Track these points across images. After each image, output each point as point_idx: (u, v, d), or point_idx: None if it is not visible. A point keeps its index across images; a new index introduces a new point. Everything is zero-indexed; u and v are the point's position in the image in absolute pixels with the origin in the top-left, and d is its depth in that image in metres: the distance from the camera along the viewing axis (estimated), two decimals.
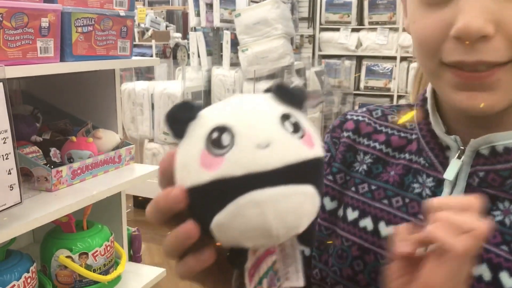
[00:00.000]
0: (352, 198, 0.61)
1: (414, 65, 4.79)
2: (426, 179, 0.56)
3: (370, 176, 0.61)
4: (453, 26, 0.45)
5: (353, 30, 5.24)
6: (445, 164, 0.54)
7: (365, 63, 5.27)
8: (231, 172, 0.33)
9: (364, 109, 0.67)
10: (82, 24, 1.30)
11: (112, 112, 1.60)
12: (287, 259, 0.39)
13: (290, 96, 0.37)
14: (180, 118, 0.36)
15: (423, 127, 0.57)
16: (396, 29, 5.08)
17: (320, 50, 5.35)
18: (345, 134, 0.64)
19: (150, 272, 1.64)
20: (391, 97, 5.17)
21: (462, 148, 0.53)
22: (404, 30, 5.01)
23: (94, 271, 1.37)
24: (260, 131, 0.34)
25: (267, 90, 0.39)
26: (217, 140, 0.34)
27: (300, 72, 3.89)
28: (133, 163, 1.61)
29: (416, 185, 0.57)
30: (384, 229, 0.57)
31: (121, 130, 1.63)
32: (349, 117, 0.66)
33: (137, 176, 1.52)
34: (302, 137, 0.35)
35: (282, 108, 0.36)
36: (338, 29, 5.25)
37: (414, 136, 0.60)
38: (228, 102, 0.37)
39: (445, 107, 0.56)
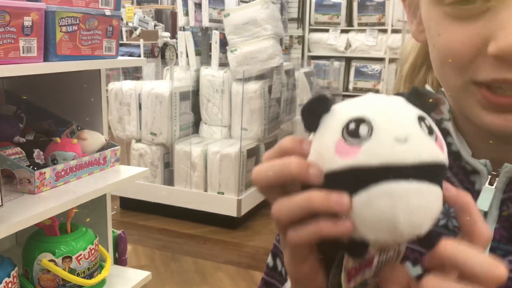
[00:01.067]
0: None
1: (404, 67, 4.80)
2: (449, 208, 0.50)
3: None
4: (492, 42, 0.40)
5: (342, 31, 5.25)
6: (471, 191, 0.49)
7: (354, 64, 5.28)
8: (367, 161, 0.34)
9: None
10: (66, 24, 1.27)
11: (98, 112, 1.57)
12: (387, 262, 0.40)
13: (424, 100, 0.37)
14: (315, 110, 0.37)
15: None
16: (385, 31, 5.10)
17: (309, 51, 5.35)
18: None
19: (135, 275, 1.62)
20: None
21: (494, 173, 0.48)
22: (393, 31, 5.04)
23: (78, 275, 1.35)
24: (399, 126, 0.35)
25: (397, 94, 0.39)
26: (354, 131, 0.35)
27: (289, 73, 3.88)
28: (118, 165, 1.59)
29: (439, 216, 0.52)
30: (412, 270, 0.51)
31: (106, 131, 1.61)
32: None
33: (123, 178, 1.50)
34: (435, 140, 0.36)
35: (417, 110, 0.37)
36: (327, 30, 5.25)
37: None
38: (363, 98, 0.38)
39: (465, 126, 0.51)
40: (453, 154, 0.51)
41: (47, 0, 1.23)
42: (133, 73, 4.27)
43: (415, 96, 0.37)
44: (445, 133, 0.51)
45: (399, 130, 0.34)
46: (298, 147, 0.37)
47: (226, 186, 3.26)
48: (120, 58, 1.52)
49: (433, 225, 0.36)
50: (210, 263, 2.91)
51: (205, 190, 3.34)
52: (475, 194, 0.48)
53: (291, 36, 5.19)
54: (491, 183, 0.48)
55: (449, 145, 0.51)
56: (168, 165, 3.45)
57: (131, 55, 4.70)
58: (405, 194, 0.34)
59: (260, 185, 0.38)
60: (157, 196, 3.40)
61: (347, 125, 0.35)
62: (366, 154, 0.34)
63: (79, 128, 1.54)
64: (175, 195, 3.37)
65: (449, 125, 0.51)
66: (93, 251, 1.40)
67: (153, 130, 3.34)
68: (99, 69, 1.51)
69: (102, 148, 1.54)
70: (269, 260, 0.63)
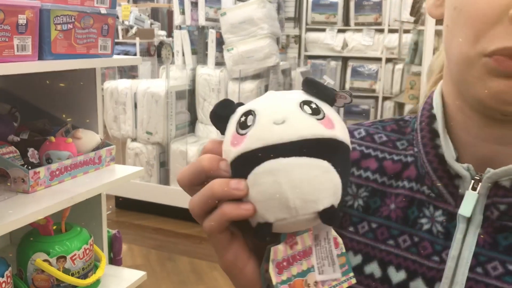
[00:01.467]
0: (351, 240, 0.53)
1: (399, 66, 4.82)
2: (435, 212, 0.49)
3: (369, 212, 0.53)
4: None
5: (339, 30, 5.25)
6: (455, 195, 0.48)
7: (350, 64, 5.28)
8: (250, 146, 0.37)
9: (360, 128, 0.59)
10: (61, 22, 1.26)
11: (93, 111, 1.56)
12: (322, 252, 0.41)
13: (318, 90, 0.40)
14: (220, 114, 0.41)
15: (430, 151, 0.50)
16: (381, 30, 5.10)
17: (306, 50, 5.35)
18: None
19: (130, 275, 1.61)
20: (376, 98, 5.19)
21: (477, 178, 0.46)
22: (390, 31, 5.04)
23: (73, 275, 1.34)
24: (277, 111, 0.38)
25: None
26: (243, 122, 0.38)
27: (285, 72, 3.88)
28: (113, 164, 1.58)
29: (423, 220, 0.50)
30: (396, 275, 0.50)
31: (101, 130, 1.60)
32: None
33: (118, 178, 1.49)
34: (321, 119, 0.38)
35: (306, 97, 0.40)
36: (324, 30, 5.25)
37: (410, 159, 0.53)
38: (261, 96, 0.41)
39: (455, 126, 0.49)
40: (439, 157, 0.49)
41: None
42: (129, 72, 4.25)
43: (309, 87, 0.40)
44: (435, 134, 0.50)
45: (277, 114, 0.37)
46: (217, 147, 0.41)
47: None
48: (115, 56, 1.51)
49: (337, 203, 0.38)
50: (206, 263, 2.90)
51: None
52: (459, 199, 0.48)
53: (288, 36, 5.18)
54: (474, 188, 0.46)
55: (436, 147, 0.50)
56: (163, 165, 3.44)
57: (127, 53, 4.68)
58: (284, 169, 0.36)
59: (182, 185, 0.42)
60: (153, 196, 3.39)
61: (239, 119, 0.39)
62: (249, 140, 0.37)
63: (74, 127, 1.53)
64: (171, 195, 3.36)
65: (438, 126, 0.50)
66: (87, 251, 1.39)
67: (149, 129, 3.33)
68: (94, 68, 1.50)
69: (97, 147, 1.53)
70: None
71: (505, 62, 0.39)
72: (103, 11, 1.37)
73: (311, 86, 0.40)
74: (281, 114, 0.37)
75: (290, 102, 0.38)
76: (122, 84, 3.38)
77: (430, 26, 2.32)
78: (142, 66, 3.82)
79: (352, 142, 0.56)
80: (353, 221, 0.54)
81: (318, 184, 0.37)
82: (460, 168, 0.47)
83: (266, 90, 3.44)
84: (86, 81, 1.53)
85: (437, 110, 0.51)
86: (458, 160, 0.48)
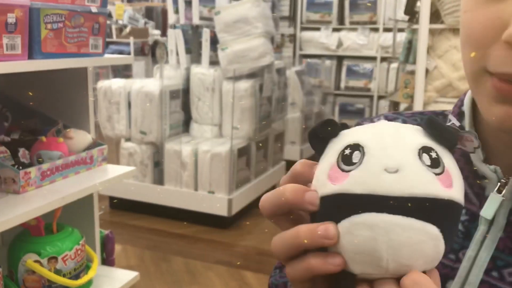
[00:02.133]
0: None
1: (394, 65, 4.82)
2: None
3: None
4: (508, 28, 0.36)
5: (334, 29, 5.25)
6: (481, 196, 0.47)
7: (345, 63, 5.28)
8: (352, 188, 0.33)
9: (382, 118, 0.58)
10: (51, 21, 1.25)
11: (84, 111, 1.55)
12: None
13: (441, 132, 0.35)
14: (320, 134, 0.37)
15: (457, 150, 0.50)
16: (376, 29, 5.10)
17: (301, 49, 5.34)
18: None
19: (123, 275, 1.60)
20: (371, 97, 5.19)
21: (504, 181, 0.45)
22: (385, 30, 5.04)
23: (64, 275, 1.33)
24: (392, 155, 0.33)
25: (420, 124, 0.37)
26: (348, 157, 0.34)
27: (280, 72, 3.87)
28: (105, 164, 1.57)
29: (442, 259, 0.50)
30: None
31: (93, 130, 1.59)
32: None
33: (110, 178, 1.48)
34: (439, 174, 0.33)
35: (426, 141, 0.34)
36: (319, 29, 5.25)
37: None
38: (373, 124, 0.37)
39: (485, 128, 0.48)
40: (466, 156, 0.48)
41: None
42: (123, 71, 4.23)
43: (431, 127, 0.35)
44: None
45: (391, 159, 0.33)
46: (308, 171, 0.37)
47: (217, 185, 3.25)
48: (107, 55, 1.50)
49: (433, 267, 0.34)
50: (201, 263, 2.89)
51: (196, 190, 3.32)
52: (485, 200, 0.46)
53: (282, 35, 5.18)
54: (500, 191, 0.45)
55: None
56: (158, 164, 3.43)
57: (121, 53, 4.66)
58: (385, 227, 0.32)
59: (265, 215, 0.38)
60: (147, 196, 3.38)
61: (343, 150, 0.35)
62: (352, 181, 0.33)
63: (65, 127, 1.52)
64: (165, 195, 3.35)
65: (467, 124, 0.49)
66: (79, 252, 1.38)
67: (143, 129, 3.32)
68: (86, 67, 1.49)
69: (89, 147, 1.52)
70: None
71: (501, 86, 0.39)
72: (93, 9, 1.36)
73: (434, 128, 0.35)
74: (396, 161, 0.33)
75: (408, 146, 0.33)
76: (116, 84, 3.36)
77: (424, 24, 2.31)
78: (136, 65, 3.80)
79: None
80: None
81: (419, 250, 0.32)
82: (487, 169, 0.46)
83: (260, 89, 3.43)
84: (77, 81, 1.52)
85: (466, 108, 0.50)
86: (486, 161, 0.47)
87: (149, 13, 6.10)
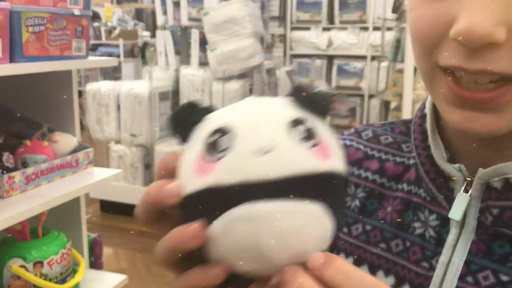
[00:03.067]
0: (345, 241, 0.51)
1: (384, 64, 4.84)
2: (429, 216, 0.47)
3: (364, 213, 0.51)
4: (454, 25, 0.36)
5: (324, 29, 5.25)
6: (450, 198, 0.45)
7: (336, 62, 5.29)
8: (222, 180, 0.29)
9: (352, 130, 0.57)
10: (33, 24, 1.24)
11: (70, 114, 1.54)
12: None
13: (311, 100, 0.33)
14: (184, 120, 0.33)
15: (422, 152, 0.48)
16: (366, 28, 5.11)
17: (291, 49, 5.35)
18: None
19: (111, 279, 1.59)
20: (362, 96, 5.20)
21: (470, 179, 0.44)
22: (375, 29, 5.06)
23: (50, 280, 1.32)
24: (261, 135, 0.30)
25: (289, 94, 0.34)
26: (215, 143, 0.30)
27: (270, 72, 3.87)
28: (91, 167, 1.56)
29: (417, 224, 0.47)
30: (384, 280, 0.47)
31: (79, 133, 1.58)
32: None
33: (96, 181, 1.47)
34: (314, 146, 0.30)
35: (297, 112, 0.32)
36: (309, 28, 5.25)
37: (412, 162, 0.50)
38: (239, 103, 0.33)
39: (446, 127, 0.47)
40: (431, 158, 0.47)
41: (12, 0, 1.20)
42: (113, 74, 4.22)
43: (300, 96, 0.33)
44: (426, 135, 0.48)
45: (260, 139, 0.30)
46: (174, 164, 0.33)
47: None
48: (92, 58, 1.49)
49: (326, 247, 0.31)
50: None
51: None
52: (452, 202, 0.45)
53: (272, 35, 5.18)
54: (467, 190, 0.44)
55: (427, 148, 0.47)
56: (148, 167, 3.42)
57: (110, 55, 4.64)
58: (265, 216, 0.29)
59: (142, 223, 0.35)
60: (138, 198, 3.36)
61: (209, 137, 0.31)
62: (223, 171, 0.29)
63: (50, 130, 1.51)
64: None
65: (428, 126, 0.48)
66: (65, 256, 1.37)
67: (133, 131, 3.31)
68: (70, 70, 1.48)
69: (75, 150, 1.51)
70: None
71: (456, 89, 0.38)
72: (76, 12, 1.35)
73: (303, 96, 0.33)
74: (267, 141, 0.30)
75: (278, 121, 0.31)
76: (105, 86, 3.35)
77: None
78: (126, 67, 3.79)
79: (358, 143, 0.55)
80: (348, 222, 0.52)
81: (305, 235, 0.30)
82: (451, 168, 0.45)
83: (250, 90, 3.43)
84: (62, 83, 1.51)
85: (428, 109, 0.49)
86: (451, 161, 0.46)
87: (139, 15, 6.09)
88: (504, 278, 0.42)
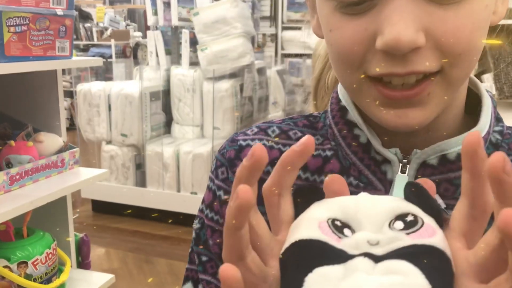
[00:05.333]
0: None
1: (316, 64, 4.83)
2: None
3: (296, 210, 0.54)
4: (379, 37, 0.40)
5: None
6: (384, 181, 0.49)
7: None
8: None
9: (255, 129, 0.57)
10: (14, 24, 1.24)
11: (55, 114, 1.54)
12: None
13: (422, 204, 0.34)
14: (306, 198, 0.36)
15: (352, 142, 0.50)
16: None
17: (283, 49, 5.35)
18: None
19: (98, 278, 1.59)
20: None
21: (405, 161, 0.48)
22: None
23: (35, 280, 1.32)
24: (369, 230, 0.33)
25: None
26: (339, 227, 0.33)
27: (261, 71, 3.87)
28: (77, 167, 1.56)
29: None
30: None
31: (64, 133, 1.58)
32: (243, 143, 0.55)
33: (81, 180, 1.47)
34: (418, 229, 0.32)
35: (402, 208, 0.34)
36: (300, 28, 5.26)
37: (329, 153, 0.52)
38: (353, 198, 0.36)
39: (366, 116, 0.50)
40: (362, 146, 0.50)
41: None
42: (105, 74, 4.21)
43: (412, 194, 0.35)
44: (353, 125, 0.51)
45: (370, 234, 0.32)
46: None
47: (199, 186, 3.24)
48: (76, 58, 1.49)
49: None
50: (184, 264, 2.87)
51: (178, 191, 3.31)
52: (389, 184, 0.48)
53: (264, 34, 5.18)
54: (403, 172, 0.48)
55: (357, 137, 0.50)
56: (140, 167, 3.42)
57: (102, 55, 4.63)
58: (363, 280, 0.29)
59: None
60: (130, 198, 3.36)
61: (333, 220, 0.34)
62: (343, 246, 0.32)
63: (35, 130, 1.51)
64: (147, 197, 3.34)
65: (356, 117, 0.51)
66: (50, 255, 1.37)
67: (124, 131, 3.31)
68: (55, 70, 1.48)
69: (60, 151, 1.51)
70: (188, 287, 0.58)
71: (387, 91, 0.42)
72: (59, 12, 1.35)
73: (417, 194, 0.34)
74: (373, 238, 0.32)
75: (380, 219, 0.33)
76: (96, 86, 3.35)
77: None
78: (117, 67, 3.79)
79: (268, 141, 0.54)
80: None
81: None
82: (388, 152, 0.48)
83: (241, 89, 3.44)
84: (46, 83, 1.51)
85: (347, 102, 0.52)
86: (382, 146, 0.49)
87: (131, 15, 6.08)
88: None
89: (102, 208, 3.51)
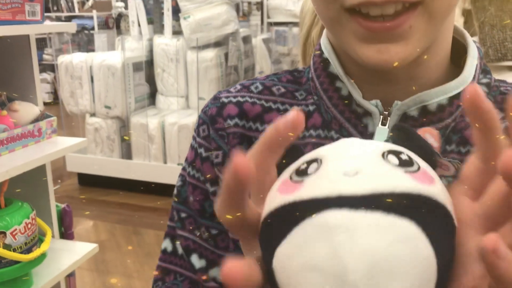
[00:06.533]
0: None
1: (303, 28, 4.78)
2: None
3: (280, 168, 0.52)
4: None
5: None
6: (365, 134, 0.48)
7: None
8: (304, 195, 0.27)
9: (238, 86, 0.56)
10: None
11: (30, 82, 1.50)
12: None
13: (413, 145, 0.31)
14: (284, 161, 0.31)
15: (333, 95, 0.50)
16: None
17: (268, 17, 5.26)
18: (230, 122, 0.53)
19: (81, 248, 1.58)
20: None
21: (386, 113, 0.47)
22: None
23: (14, 250, 1.30)
24: (351, 159, 0.28)
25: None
26: (303, 170, 0.29)
27: (246, 40, 3.82)
28: (55, 136, 1.53)
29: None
30: None
31: (41, 101, 1.54)
32: (225, 100, 0.54)
33: (58, 149, 1.45)
34: (412, 172, 0.27)
35: (391, 146, 0.29)
36: None
37: (311, 108, 0.52)
38: (337, 142, 0.32)
39: (348, 67, 0.50)
40: (343, 99, 0.49)
41: None
42: (87, 46, 4.13)
43: (401, 137, 0.31)
44: (334, 78, 0.50)
45: (349, 163, 0.27)
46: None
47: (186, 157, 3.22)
48: (49, 23, 1.44)
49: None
50: None
51: (165, 162, 3.29)
52: (369, 137, 0.48)
53: (249, 3, 5.09)
54: (383, 124, 0.47)
55: (338, 89, 0.50)
56: (125, 139, 3.39)
57: (84, 27, 4.53)
58: (348, 226, 0.25)
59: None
60: (116, 171, 3.34)
61: (299, 166, 0.29)
62: (306, 188, 0.27)
63: (9, 99, 1.47)
64: (133, 169, 3.32)
65: (337, 69, 0.50)
66: (29, 225, 1.35)
67: (107, 103, 3.26)
68: (27, 36, 1.43)
69: (37, 120, 1.48)
70: (166, 245, 0.58)
71: (366, 23, 0.41)
72: None
73: (405, 137, 0.30)
74: (355, 164, 0.27)
75: (371, 149, 0.29)
76: (77, 58, 3.28)
77: None
78: (99, 38, 3.71)
79: (251, 97, 0.54)
80: None
81: (396, 254, 0.24)
82: (368, 104, 0.47)
83: (226, 58, 3.39)
84: (19, 50, 1.46)
85: (329, 54, 0.51)
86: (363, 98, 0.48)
87: None
88: None
89: (88, 181, 3.48)
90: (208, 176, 0.54)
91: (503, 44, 2.02)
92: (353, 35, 0.42)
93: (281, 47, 4.94)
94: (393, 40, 0.41)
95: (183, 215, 0.56)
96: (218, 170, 0.53)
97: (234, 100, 0.54)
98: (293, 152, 0.32)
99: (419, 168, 0.28)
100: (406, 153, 0.29)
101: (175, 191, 0.58)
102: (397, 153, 0.28)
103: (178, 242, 0.57)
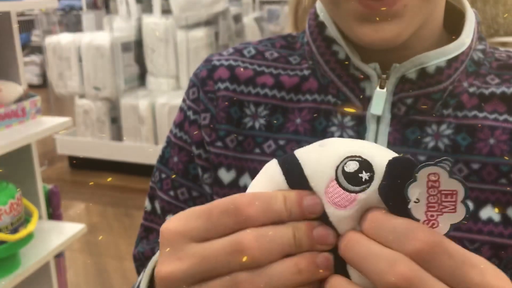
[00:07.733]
0: (260, 162, 0.50)
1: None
2: (343, 119, 0.49)
3: (272, 130, 0.51)
4: None
5: None
6: (363, 99, 0.48)
7: None
8: None
9: (231, 49, 0.56)
10: None
11: (12, 61, 1.47)
12: None
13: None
14: None
15: (330, 59, 0.49)
16: None
17: None
18: (221, 85, 0.52)
19: (69, 228, 1.57)
20: None
21: (384, 76, 0.47)
22: None
23: (0, 230, 1.29)
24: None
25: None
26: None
27: (237, 18, 3.77)
28: (40, 116, 1.51)
29: (333, 129, 0.49)
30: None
31: (24, 81, 1.51)
32: (216, 63, 0.54)
33: (44, 129, 1.43)
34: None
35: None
36: None
37: (306, 72, 0.52)
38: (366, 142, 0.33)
39: (346, 32, 0.49)
40: (341, 63, 0.49)
41: None
42: (76, 26, 4.06)
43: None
44: (331, 41, 0.50)
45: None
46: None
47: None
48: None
49: None
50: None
51: (156, 143, 3.27)
52: (367, 101, 0.48)
53: None
54: (381, 87, 0.47)
55: (335, 53, 0.49)
56: (115, 121, 3.36)
57: (72, 8, 4.46)
58: None
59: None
60: (106, 153, 3.32)
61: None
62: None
63: None
64: (124, 151, 3.30)
65: (334, 32, 0.49)
66: (15, 206, 1.34)
67: (96, 85, 3.22)
68: (8, 13, 1.40)
69: (20, 99, 1.45)
70: (147, 204, 0.59)
71: (369, 5, 0.41)
72: None
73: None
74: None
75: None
76: (65, 39, 3.23)
77: None
78: (87, 19, 3.65)
79: (243, 62, 0.54)
80: (258, 143, 0.51)
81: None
82: (367, 67, 0.47)
83: (216, 37, 3.34)
84: (1, 29, 1.43)
85: (325, 17, 0.50)
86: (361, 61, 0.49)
87: None
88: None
89: (79, 164, 3.46)
90: (194, 139, 0.54)
91: (495, 20, 2.01)
92: (350, 14, 0.43)
93: (273, 26, 4.90)
94: (388, 19, 0.42)
95: (163, 175, 0.56)
96: (204, 132, 0.53)
97: (226, 63, 0.54)
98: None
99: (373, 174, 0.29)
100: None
101: (160, 153, 0.59)
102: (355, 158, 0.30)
103: (156, 202, 0.57)
